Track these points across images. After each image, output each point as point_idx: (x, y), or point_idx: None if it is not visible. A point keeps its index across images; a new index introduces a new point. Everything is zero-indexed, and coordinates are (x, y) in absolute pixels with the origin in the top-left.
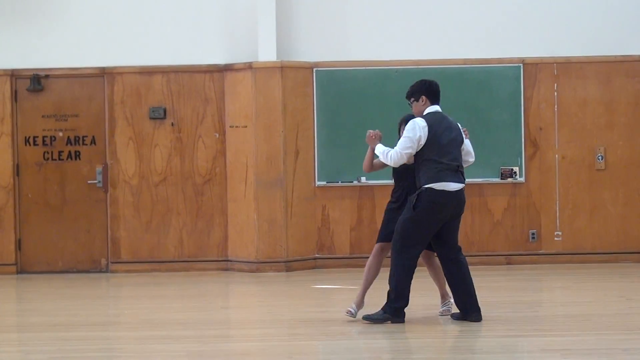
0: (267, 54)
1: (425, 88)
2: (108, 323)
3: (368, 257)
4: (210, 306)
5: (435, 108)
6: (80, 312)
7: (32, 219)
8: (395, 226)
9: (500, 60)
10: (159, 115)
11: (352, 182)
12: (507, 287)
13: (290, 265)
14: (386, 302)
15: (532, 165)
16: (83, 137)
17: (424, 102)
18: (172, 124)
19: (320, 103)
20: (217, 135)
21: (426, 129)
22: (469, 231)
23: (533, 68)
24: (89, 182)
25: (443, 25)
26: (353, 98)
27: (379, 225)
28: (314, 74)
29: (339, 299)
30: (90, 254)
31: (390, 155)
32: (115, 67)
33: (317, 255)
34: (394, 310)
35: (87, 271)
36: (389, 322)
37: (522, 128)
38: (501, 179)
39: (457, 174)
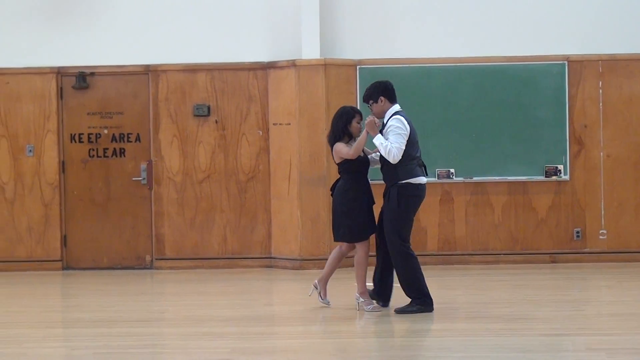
0: (310, 51)
1: (382, 89)
2: (152, 319)
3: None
4: (254, 303)
5: (397, 107)
6: (125, 309)
7: (78, 215)
8: (386, 227)
9: (544, 58)
10: (203, 112)
11: None
12: (551, 286)
13: None
14: (414, 297)
15: (577, 163)
16: (128, 134)
17: (383, 102)
18: (216, 122)
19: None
20: (261, 132)
21: (408, 125)
22: (513, 229)
23: (578, 65)
24: (133, 179)
25: (487, 22)
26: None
27: (422, 224)
28: (358, 71)
29: None
30: (135, 251)
31: (392, 151)
32: (159, 65)
33: None
34: (425, 301)
35: (132, 268)
36: (422, 312)
37: (567, 126)
38: (545, 177)
39: (422, 168)
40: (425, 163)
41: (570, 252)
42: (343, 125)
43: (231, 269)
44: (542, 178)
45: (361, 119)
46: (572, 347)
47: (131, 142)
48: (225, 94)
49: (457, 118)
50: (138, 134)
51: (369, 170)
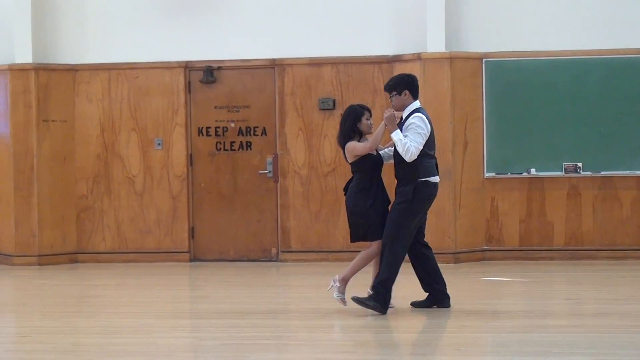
0: (436, 44)
1: (409, 82)
2: (278, 311)
3: (537, 250)
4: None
5: (418, 103)
6: (251, 300)
7: (205, 208)
8: (389, 218)
9: None
10: (328, 106)
11: (522, 173)
12: None
13: (458, 256)
14: (377, 292)
15: None
16: (254, 127)
17: (406, 96)
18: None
19: (490, 94)
20: (386, 125)
21: (429, 125)
22: None
23: None
24: (259, 172)
25: (614, 15)
26: (523, 89)
27: (549, 218)
28: (483, 64)
29: (507, 292)
30: (261, 243)
31: (410, 149)
32: (285, 59)
33: (485, 247)
34: (384, 301)
35: (258, 260)
36: (374, 310)
37: None
38: None
39: (436, 168)
40: (545, 156)
41: None
42: (352, 124)
43: None
44: None
45: (370, 116)
46: None
47: (257, 135)
48: (350, 87)
49: (585, 111)
50: (264, 128)
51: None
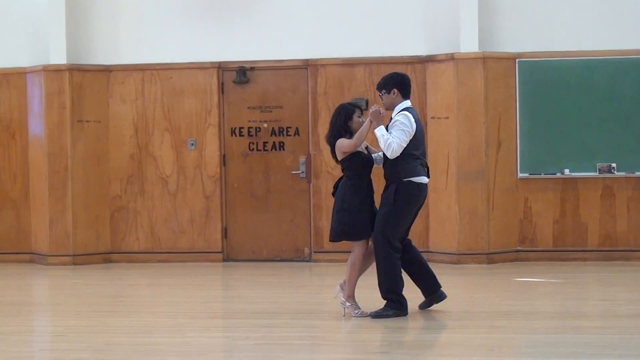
0: (469, 44)
1: (397, 81)
2: (311, 311)
3: (571, 251)
4: (412, 297)
5: (408, 103)
6: (284, 300)
7: (238, 208)
8: (376, 228)
9: None
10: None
11: (556, 174)
12: None
13: (491, 257)
14: (390, 300)
15: None
16: (287, 128)
17: (395, 95)
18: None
19: (523, 94)
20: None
21: (414, 124)
22: None
23: None
24: (292, 172)
25: None
26: (556, 89)
27: (583, 219)
28: (517, 65)
29: (541, 293)
30: (294, 243)
31: (392, 145)
32: (318, 59)
33: (519, 248)
34: (401, 305)
35: (291, 260)
36: (397, 316)
37: None
38: None
39: (425, 168)
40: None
41: None
42: (342, 122)
43: None
44: None
45: (361, 114)
46: None
47: (290, 135)
48: None
49: (619, 112)
50: (297, 128)
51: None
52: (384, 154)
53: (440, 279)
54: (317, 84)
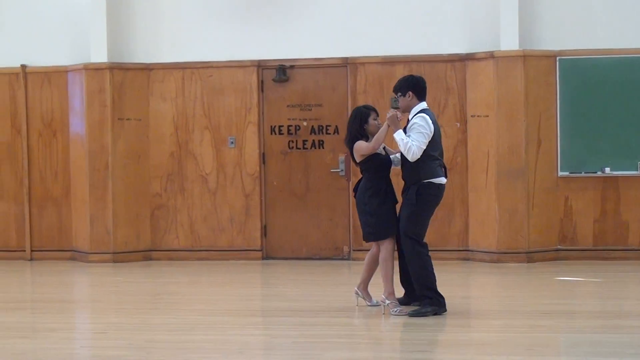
0: (509, 42)
1: (412, 84)
2: (350, 309)
3: (612, 250)
4: (451, 295)
5: (424, 105)
6: (323, 299)
7: (277, 206)
8: (402, 224)
9: None
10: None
11: (596, 172)
12: None
13: (531, 256)
14: (428, 297)
15: None
16: (326, 126)
17: (410, 98)
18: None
19: (563, 92)
20: (459, 124)
21: (432, 125)
22: None
23: None
24: (331, 170)
25: None
26: (597, 87)
27: (624, 218)
28: (557, 62)
29: (581, 292)
30: (333, 241)
31: (412, 149)
32: (358, 58)
33: (559, 247)
34: (439, 302)
35: (330, 258)
36: (436, 314)
37: None
38: None
39: (443, 169)
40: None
41: None
42: (359, 126)
43: None
44: None
45: (377, 116)
46: None
47: (330, 134)
48: None
49: None
50: (336, 126)
51: (391, 170)
52: (402, 155)
53: (480, 277)
54: (357, 82)
